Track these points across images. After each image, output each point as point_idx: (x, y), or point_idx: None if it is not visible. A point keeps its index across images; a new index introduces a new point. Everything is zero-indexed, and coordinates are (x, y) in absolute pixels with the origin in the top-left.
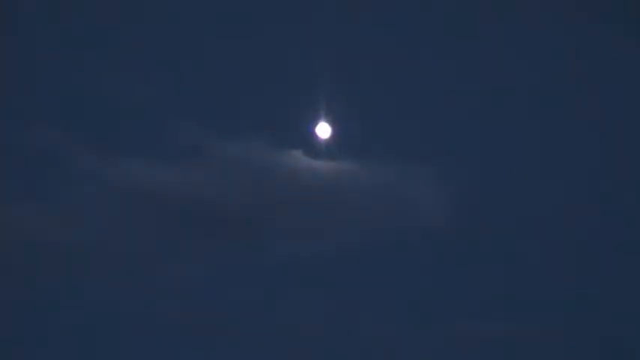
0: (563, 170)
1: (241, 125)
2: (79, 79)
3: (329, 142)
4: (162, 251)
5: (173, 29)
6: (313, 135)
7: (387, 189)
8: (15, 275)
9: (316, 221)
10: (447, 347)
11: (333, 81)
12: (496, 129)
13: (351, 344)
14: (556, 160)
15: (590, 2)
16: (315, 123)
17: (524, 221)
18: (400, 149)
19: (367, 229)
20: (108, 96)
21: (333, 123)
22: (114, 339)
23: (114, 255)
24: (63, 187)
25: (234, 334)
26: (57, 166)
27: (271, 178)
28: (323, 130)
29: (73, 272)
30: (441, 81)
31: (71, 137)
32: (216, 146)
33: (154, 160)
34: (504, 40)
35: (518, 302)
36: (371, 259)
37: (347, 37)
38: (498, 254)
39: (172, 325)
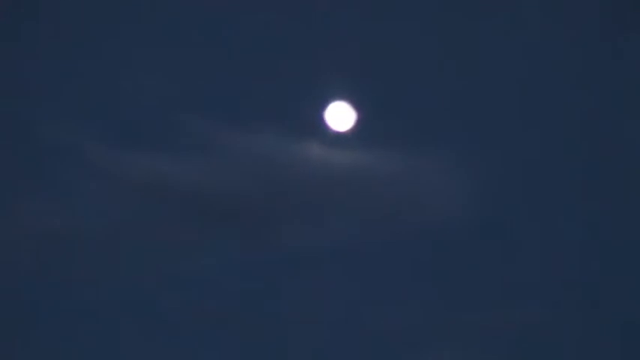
0: (586, 160)
1: (251, 115)
2: (84, 73)
3: (343, 131)
4: (166, 245)
5: (179, 20)
6: (326, 124)
7: (403, 179)
8: (21, 269)
9: (329, 213)
10: (459, 341)
11: (348, 68)
12: (517, 117)
13: (359, 337)
14: (580, 148)
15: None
16: (328, 111)
17: (545, 213)
18: (418, 138)
19: (382, 221)
20: (114, 89)
21: (348, 111)
22: (122, 331)
23: (119, 249)
24: (70, 182)
25: (240, 327)
26: (64, 160)
27: (283, 169)
28: (337, 119)
29: (79, 267)
30: (461, 68)
31: (78, 131)
32: (223, 138)
33: (162, 153)
34: (528, 28)
35: (536, 296)
36: (385, 252)
37: (361, 23)
38: (518, 247)
39: (179, 317)
